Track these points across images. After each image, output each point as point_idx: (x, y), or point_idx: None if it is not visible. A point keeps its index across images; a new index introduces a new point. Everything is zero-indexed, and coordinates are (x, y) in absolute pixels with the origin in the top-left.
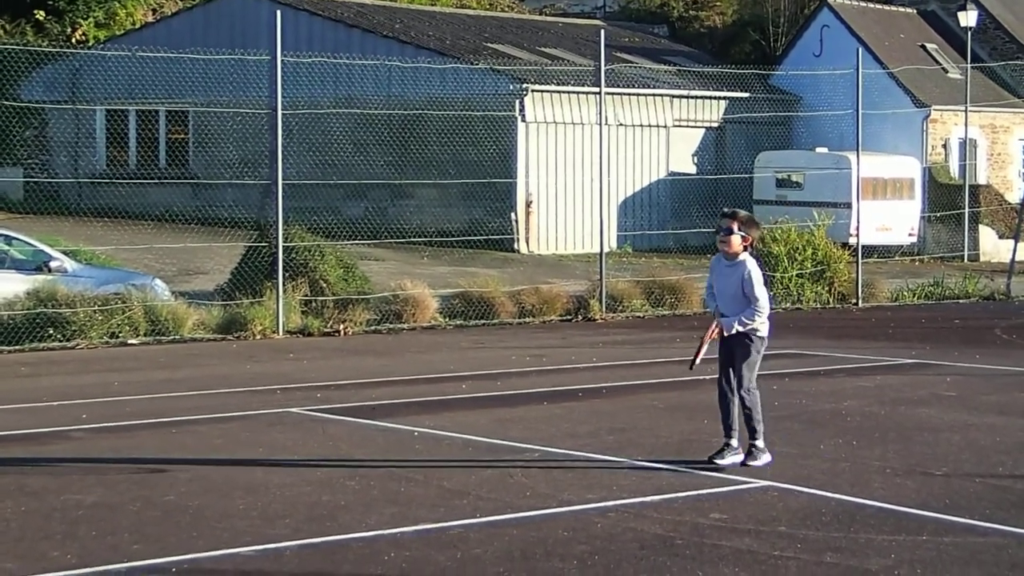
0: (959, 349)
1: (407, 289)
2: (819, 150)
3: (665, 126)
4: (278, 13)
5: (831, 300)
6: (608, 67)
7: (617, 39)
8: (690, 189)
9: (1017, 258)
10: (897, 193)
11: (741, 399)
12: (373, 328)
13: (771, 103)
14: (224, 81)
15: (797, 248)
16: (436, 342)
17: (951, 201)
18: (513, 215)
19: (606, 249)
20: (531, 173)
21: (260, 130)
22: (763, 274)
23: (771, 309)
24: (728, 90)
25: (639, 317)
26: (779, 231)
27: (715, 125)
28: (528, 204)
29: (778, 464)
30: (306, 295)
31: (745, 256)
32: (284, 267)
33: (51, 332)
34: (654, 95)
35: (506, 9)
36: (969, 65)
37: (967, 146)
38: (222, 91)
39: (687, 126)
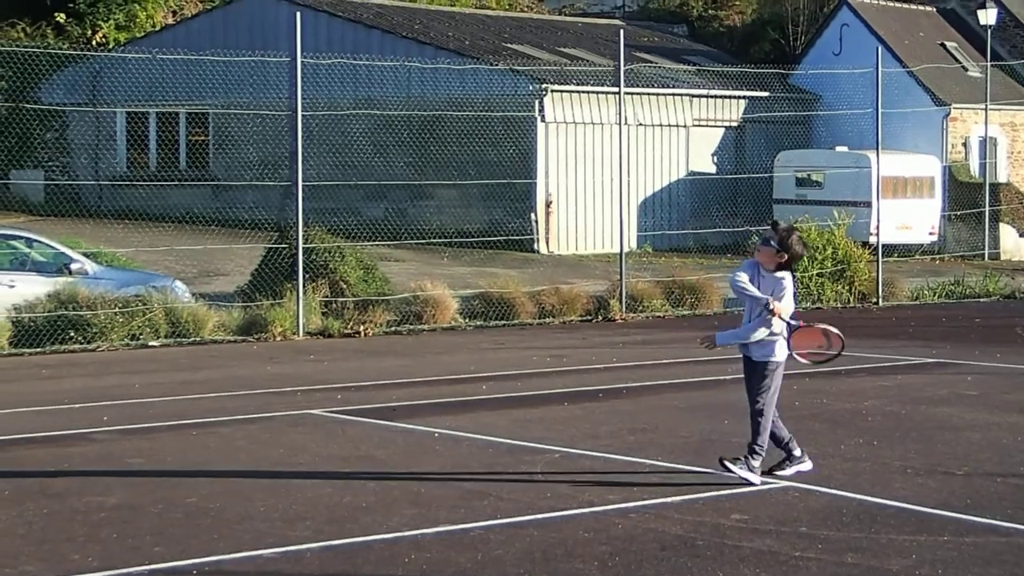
0: (980, 348)
1: (427, 290)
2: (839, 149)
3: (685, 126)
4: (297, 14)
5: (851, 299)
6: (627, 67)
7: (636, 39)
8: (710, 189)
9: None
10: (917, 192)
11: (753, 419)
12: (393, 329)
13: (791, 102)
14: (244, 83)
15: (817, 247)
16: (456, 343)
17: (971, 199)
18: (533, 215)
19: (626, 249)
20: (551, 173)
21: (280, 131)
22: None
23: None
24: (748, 89)
25: (659, 317)
26: (799, 230)
27: (735, 124)
28: (548, 204)
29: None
30: (326, 296)
31: (784, 274)
32: (304, 268)
33: (72, 334)
34: (673, 95)
35: (525, 9)
36: (989, 63)
37: (987, 144)
38: (242, 93)
39: (707, 125)
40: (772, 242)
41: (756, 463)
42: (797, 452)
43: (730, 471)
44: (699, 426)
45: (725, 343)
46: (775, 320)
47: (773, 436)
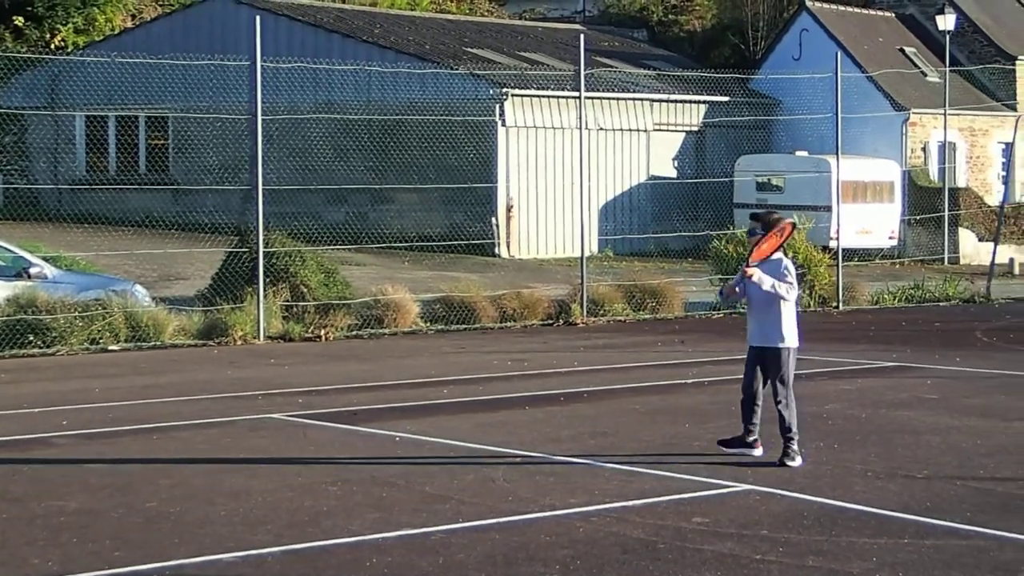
0: (940, 352)
1: (388, 294)
2: (799, 153)
3: (645, 130)
4: (257, 18)
5: (812, 303)
6: (588, 71)
7: (597, 43)
8: (670, 193)
9: (997, 261)
10: (877, 196)
11: (779, 412)
12: (354, 333)
13: (751, 107)
14: (204, 86)
15: None
16: (417, 347)
17: (931, 204)
18: (494, 219)
19: (587, 253)
20: (512, 177)
21: (240, 135)
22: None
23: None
24: (708, 94)
25: (620, 321)
26: None
27: (695, 129)
28: (509, 208)
29: (760, 468)
30: (287, 300)
31: (780, 255)
32: (265, 272)
33: (31, 338)
34: (634, 99)
35: (486, 14)
36: (948, 68)
37: (946, 149)
38: (202, 96)
39: (667, 130)
40: (758, 231)
41: (793, 447)
42: (752, 438)
43: (791, 465)
44: (660, 430)
45: (764, 284)
46: (793, 293)
47: (748, 413)
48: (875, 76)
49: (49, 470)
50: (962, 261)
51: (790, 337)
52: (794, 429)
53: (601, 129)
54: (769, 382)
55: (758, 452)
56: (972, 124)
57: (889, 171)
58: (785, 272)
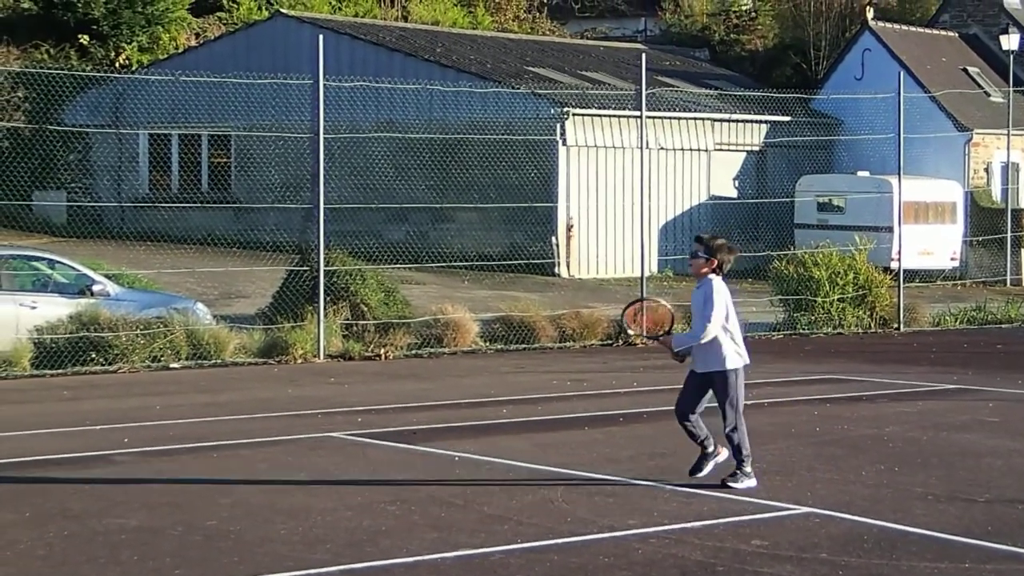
0: (1002, 374)
1: (448, 313)
2: (860, 174)
3: (706, 150)
4: (320, 37)
5: (873, 325)
6: (649, 91)
7: (658, 63)
8: (731, 213)
9: None
10: (939, 217)
11: (728, 438)
12: (414, 352)
13: (812, 127)
14: (266, 105)
15: (838, 272)
16: (477, 366)
17: (993, 225)
18: (554, 239)
19: (647, 273)
20: (572, 197)
21: (302, 154)
22: (730, 298)
23: (744, 335)
24: (769, 114)
25: None
26: (820, 255)
27: (756, 149)
28: (569, 228)
29: (819, 490)
30: (347, 319)
31: (711, 277)
32: (325, 291)
33: (93, 356)
34: (695, 119)
35: (547, 33)
36: (1011, 88)
37: (1009, 170)
38: (264, 115)
39: (728, 150)
40: (700, 253)
41: (747, 467)
42: (709, 449)
43: (734, 487)
44: None
45: (681, 346)
46: (713, 325)
47: (691, 435)
48: (938, 96)
49: (110, 487)
50: None
51: (731, 358)
52: (746, 451)
53: (662, 149)
54: (719, 407)
55: (724, 454)
56: None
57: (951, 192)
58: (713, 295)
